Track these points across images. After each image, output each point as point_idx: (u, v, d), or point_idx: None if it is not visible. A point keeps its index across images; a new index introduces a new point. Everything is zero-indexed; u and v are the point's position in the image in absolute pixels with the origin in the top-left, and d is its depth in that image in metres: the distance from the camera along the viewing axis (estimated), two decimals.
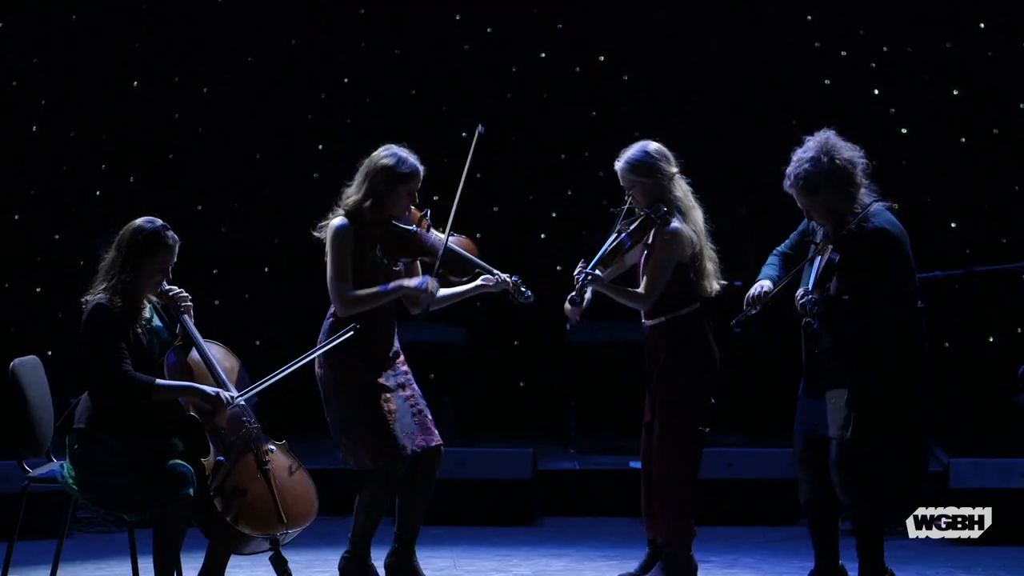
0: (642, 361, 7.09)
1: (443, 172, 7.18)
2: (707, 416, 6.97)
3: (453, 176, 6.96)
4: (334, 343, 6.62)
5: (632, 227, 6.91)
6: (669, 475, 6.93)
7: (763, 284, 6.68)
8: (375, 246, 6.78)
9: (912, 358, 6.47)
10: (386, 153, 6.81)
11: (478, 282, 6.91)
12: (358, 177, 6.83)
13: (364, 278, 6.75)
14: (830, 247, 6.49)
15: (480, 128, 6.86)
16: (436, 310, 6.93)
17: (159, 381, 6.31)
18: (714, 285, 6.99)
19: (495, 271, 6.89)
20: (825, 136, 6.57)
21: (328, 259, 6.75)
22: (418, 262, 6.95)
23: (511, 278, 6.87)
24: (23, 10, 11.26)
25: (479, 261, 6.91)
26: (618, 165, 6.98)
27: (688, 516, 6.96)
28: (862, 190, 6.53)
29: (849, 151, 6.54)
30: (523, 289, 6.88)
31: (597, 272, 6.86)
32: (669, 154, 6.98)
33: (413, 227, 6.82)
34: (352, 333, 6.60)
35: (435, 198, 7.01)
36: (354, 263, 6.74)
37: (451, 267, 6.84)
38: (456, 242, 6.89)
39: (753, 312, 6.63)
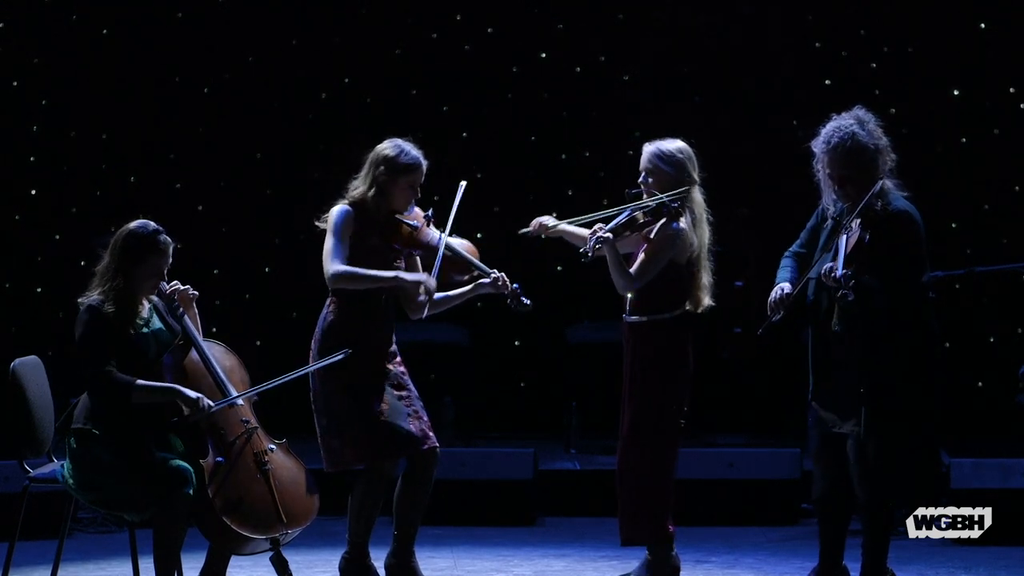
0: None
1: (443, 172, 7.18)
2: (677, 420, 6.95)
3: (453, 176, 6.98)
4: (326, 363, 6.62)
5: (646, 207, 6.89)
6: (640, 476, 6.93)
7: (783, 287, 6.63)
8: (377, 238, 6.78)
9: (925, 348, 6.47)
10: (389, 144, 6.84)
11: (478, 283, 6.90)
12: (364, 169, 6.86)
13: (362, 263, 6.74)
14: (856, 224, 6.47)
15: (463, 184, 6.90)
16: (435, 313, 6.92)
17: (139, 382, 6.29)
18: (705, 300, 6.97)
19: (495, 272, 6.89)
20: (857, 112, 6.58)
21: (327, 237, 6.76)
22: (417, 258, 6.94)
23: (511, 284, 6.87)
24: (23, 10, 11.26)
25: (479, 263, 6.90)
26: (648, 148, 6.98)
27: (664, 516, 6.95)
28: (884, 174, 6.54)
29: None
30: (523, 298, 6.86)
31: (609, 236, 6.84)
32: (695, 161, 6.99)
33: (416, 223, 6.83)
34: (343, 356, 6.59)
35: (435, 198, 7.00)
36: (353, 248, 6.74)
37: (451, 265, 6.84)
38: (458, 244, 6.89)
39: (777, 318, 6.59)
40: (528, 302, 6.85)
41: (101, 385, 6.28)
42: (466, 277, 6.91)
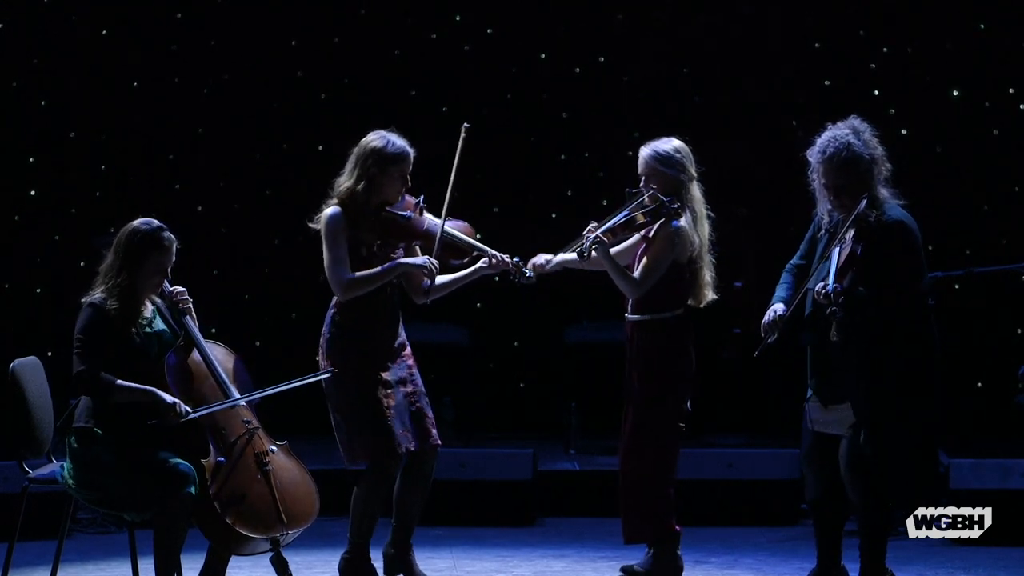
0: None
1: (443, 172, 7.18)
2: (679, 418, 6.96)
3: (451, 174, 6.97)
4: (308, 381, 6.62)
5: (646, 208, 6.89)
6: (643, 475, 6.93)
7: (776, 308, 6.63)
8: (370, 234, 6.77)
9: (923, 354, 6.47)
10: (375, 136, 6.82)
11: (478, 264, 6.89)
12: (349, 164, 6.83)
13: (361, 267, 6.74)
14: (849, 237, 6.46)
15: (465, 126, 6.88)
16: (438, 297, 6.91)
17: (119, 382, 6.29)
18: (708, 295, 6.97)
19: (494, 252, 6.86)
20: (852, 122, 6.57)
21: (324, 247, 6.75)
22: (416, 247, 6.93)
23: (512, 259, 6.85)
24: (23, 10, 11.26)
25: (477, 243, 6.88)
26: (643, 151, 6.97)
27: (668, 516, 6.96)
28: (878, 184, 6.53)
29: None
30: (525, 270, 6.86)
31: (604, 238, 6.84)
32: (692, 157, 6.99)
33: (408, 212, 6.82)
34: (328, 375, 6.60)
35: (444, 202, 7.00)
36: (350, 252, 6.74)
37: (449, 250, 6.83)
38: (454, 226, 6.88)
39: (771, 340, 6.59)
40: (531, 274, 6.85)
41: (84, 383, 6.30)
42: (466, 260, 6.90)
